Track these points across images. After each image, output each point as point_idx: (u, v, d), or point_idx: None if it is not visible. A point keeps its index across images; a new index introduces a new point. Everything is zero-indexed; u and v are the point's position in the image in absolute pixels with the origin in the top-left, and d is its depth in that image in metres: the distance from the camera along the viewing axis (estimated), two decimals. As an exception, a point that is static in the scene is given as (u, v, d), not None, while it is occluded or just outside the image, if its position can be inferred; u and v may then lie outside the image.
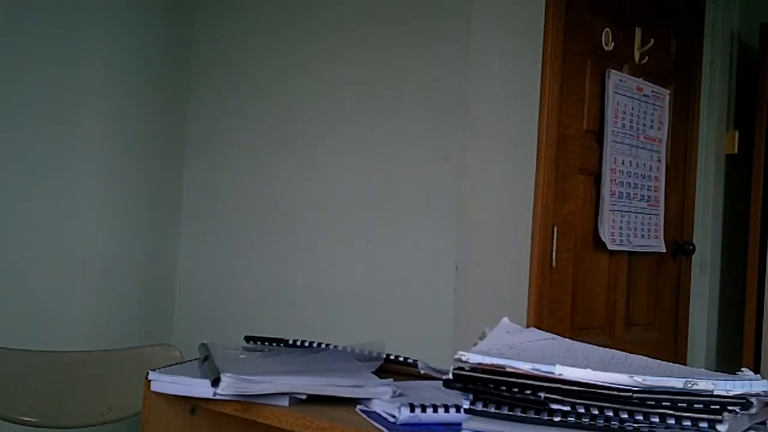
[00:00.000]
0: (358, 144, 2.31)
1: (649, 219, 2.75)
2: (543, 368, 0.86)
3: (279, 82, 2.52)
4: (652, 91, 2.76)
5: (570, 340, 1.08)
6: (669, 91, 2.84)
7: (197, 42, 2.70)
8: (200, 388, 1.13)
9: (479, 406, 0.88)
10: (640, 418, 0.83)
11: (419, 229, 2.17)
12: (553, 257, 2.36)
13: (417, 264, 2.16)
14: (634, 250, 2.71)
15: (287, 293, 2.42)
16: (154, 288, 2.61)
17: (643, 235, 2.73)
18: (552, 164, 2.34)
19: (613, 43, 2.59)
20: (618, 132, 2.60)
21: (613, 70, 2.59)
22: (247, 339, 1.44)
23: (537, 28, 2.32)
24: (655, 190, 2.78)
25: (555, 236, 2.36)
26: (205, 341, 1.32)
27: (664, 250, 2.83)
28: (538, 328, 1.14)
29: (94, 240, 2.43)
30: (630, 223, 2.66)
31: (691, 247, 2.98)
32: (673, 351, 2.96)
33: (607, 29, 2.59)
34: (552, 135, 2.33)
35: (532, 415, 0.86)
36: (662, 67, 2.87)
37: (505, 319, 1.10)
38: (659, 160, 2.79)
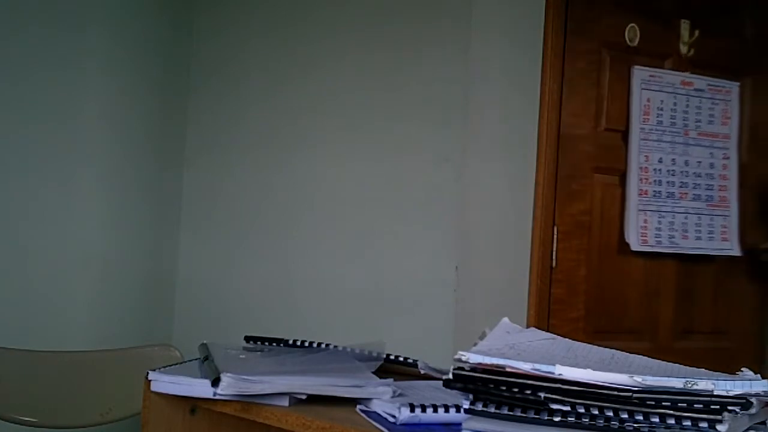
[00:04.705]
0: (358, 144, 2.31)
1: (711, 220, 2.53)
2: (543, 368, 0.86)
3: (279, 82, 2.52)
4: (708, 85, 2.55)
5: (570, 340, 1.08)
6: (738, 83, 2.60)
7: (197, 42, 2.70)
8: (200, 388, 1.13)
9: (479, 406, 0.88)
10: (640, 418, 0.83)
11: (419, 229, 2.17)
12: (554, 257, 2.35)
13: (417, 264, 2.16)
14: (683, 252, 2.49)
15: (287, 293, 2.42)
16: (154, 288, 2.61)
17: (699, 237, 2.51)
18: (552, 164, 2.33)
19: (638, 39, 2.46)
20: (652, 129, 2.45)
21: (638, 67, 2.45)
22: (247, 339, 1.44)
23: (537, 28, 2.32)
24: (720, 190, 2.56)
25: (556, 236, 2.36)
26: (205, 341, 1.32)
27: (739, 253, 2.59)
28: (539, 329, 1.14)
29: (94, 240, 2.43)
30: (675, 224, 2.47)
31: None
32: (751, 360, 2.61)
33: (633, 25, 2.46)
34: (552, 135, 2.32)
35: (532, 415, 0.86)
36: (725, 57, 2.63)
37: (505, 319, 1.10)
38: (726, 157, 2.57)
